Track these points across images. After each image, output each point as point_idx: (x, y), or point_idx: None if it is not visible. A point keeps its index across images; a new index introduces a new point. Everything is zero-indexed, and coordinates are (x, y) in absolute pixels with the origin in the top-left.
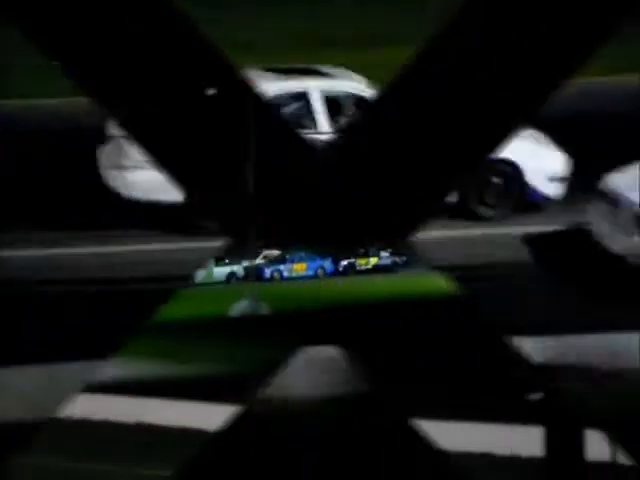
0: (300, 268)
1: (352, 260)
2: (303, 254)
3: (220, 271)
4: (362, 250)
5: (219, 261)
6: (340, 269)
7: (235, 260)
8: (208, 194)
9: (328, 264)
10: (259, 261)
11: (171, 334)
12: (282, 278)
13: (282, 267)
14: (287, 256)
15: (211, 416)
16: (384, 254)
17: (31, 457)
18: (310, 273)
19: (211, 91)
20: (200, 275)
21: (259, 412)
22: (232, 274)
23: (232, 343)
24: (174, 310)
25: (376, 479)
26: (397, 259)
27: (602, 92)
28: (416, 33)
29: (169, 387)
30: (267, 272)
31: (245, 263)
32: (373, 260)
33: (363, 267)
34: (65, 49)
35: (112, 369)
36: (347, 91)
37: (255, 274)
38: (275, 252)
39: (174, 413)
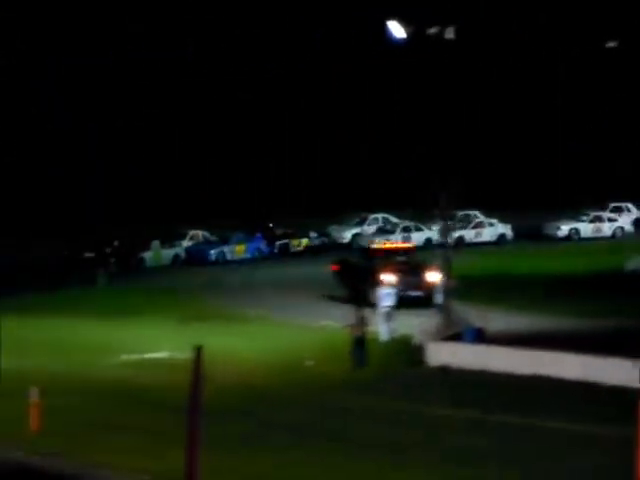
0: (240, 250)
1: (286, 241)
2: (241, 235)
3: (167, 253)
4: (291, 231)
5: (164, 243)
6: (275, 250)
7: (177, 243)
8: None
9: (264, 246)
10: (188, 243)
11: (555, 288)
12: (226, 261)
13: (225, 249)
14: (213, 238)
15: (610, 370)
16: (313, 235)
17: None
18: (249, 255)
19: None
20: (149, 257)
21: None
22: (177, 256)
23: (623, 297)
24: (555, 264)
25: None
26: (325, 239)
27: None
28: None
29: (563, 340)
30: (212, 254)
31: (185, 245)
32: (304, 241)
33: (296, 248)
34: None
35: (507, 320)
36: None
37: (199, 256)
38: (200, 232)
39: (569, 366)
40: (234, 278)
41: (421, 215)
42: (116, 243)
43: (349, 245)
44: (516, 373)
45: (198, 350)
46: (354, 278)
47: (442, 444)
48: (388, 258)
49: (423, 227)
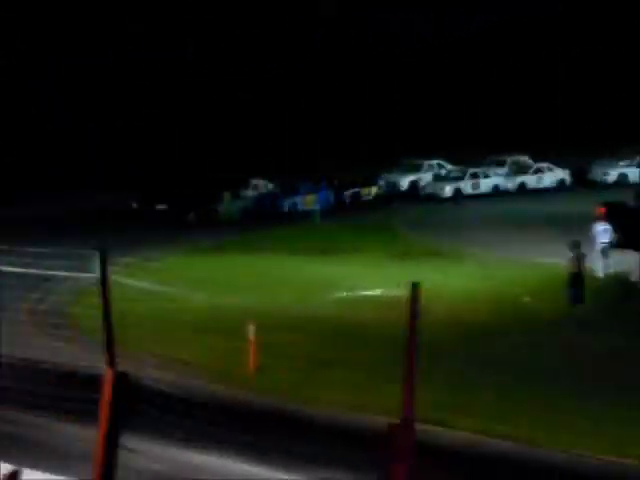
0: (310, 201)
1: (356, 190)
2: (309, 185)
3: (237, 204)
4: (359, 179)
5: (235, 197)
6: (346, 200)
7: (243, 193)
8: None
9: (330, 195)
10: (251, 192)
11: None
12: (297, 211)
13: (297, 199)
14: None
15: None
16: (381, 182)
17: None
18: (318, 207)
19: None
20: (222, 209)
21: None
22: (245, 208)
23: None
24: None
25: None
26: (386, 189)
27: None
28: None
29: None
30: (285, 205)
31: (251, 195)
32: (374, 189)
33: (366, 197)
34: None
35: None
36: None
37: (272, 207)
38: (261, 181)
39: None
40: (436, 216)
41: (472, 162)
42: (190, 194)
43: (411, 193)
44: None
45: (414, 286)
46: (629, 222)
47: None
48: None
49: (491, 174)
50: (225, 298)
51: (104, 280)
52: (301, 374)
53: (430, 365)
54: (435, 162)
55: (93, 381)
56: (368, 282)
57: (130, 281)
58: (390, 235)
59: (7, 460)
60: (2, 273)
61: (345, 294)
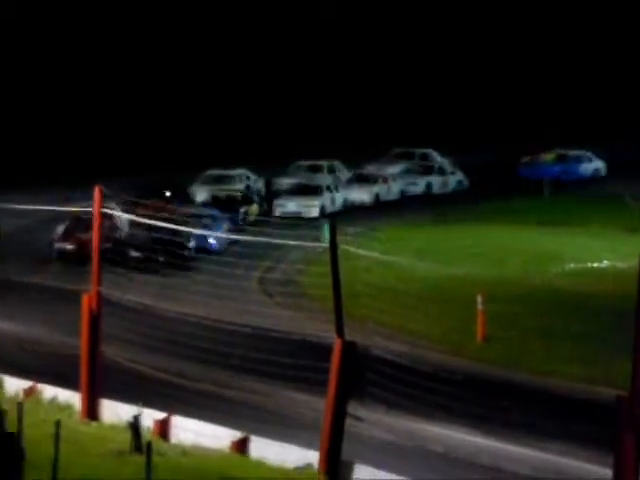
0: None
1: (245, 209)
2: (216, 212)
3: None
4: (237, 195)
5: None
6: (240, 221)
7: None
8: None
9: (230, 220)
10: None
11: None
12: (226, 243)
13: (221, 233)
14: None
15: None
16: (257, 199)
17: None
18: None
19: None
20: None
21: None
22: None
23: None
24: None
25: None
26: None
27: None
28: None
29: None
30: (214, 244)
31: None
32: (255, 208)
33: (249, 218)
34: None
35: None
36: None
37: (208, 247)
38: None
39: None
40: None
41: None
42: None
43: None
44: None
45: None
46: None
47: None
48: None
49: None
50: (451, 268)
51: (333, 250)
52: (529, 345)
53: None
54: (242, 171)
55: (321, 350)
56: (595, 254)
57: (358, 250)
58: (620, 208)
59: (237, 427)
60: (235, 242)
61: (571, 266)
